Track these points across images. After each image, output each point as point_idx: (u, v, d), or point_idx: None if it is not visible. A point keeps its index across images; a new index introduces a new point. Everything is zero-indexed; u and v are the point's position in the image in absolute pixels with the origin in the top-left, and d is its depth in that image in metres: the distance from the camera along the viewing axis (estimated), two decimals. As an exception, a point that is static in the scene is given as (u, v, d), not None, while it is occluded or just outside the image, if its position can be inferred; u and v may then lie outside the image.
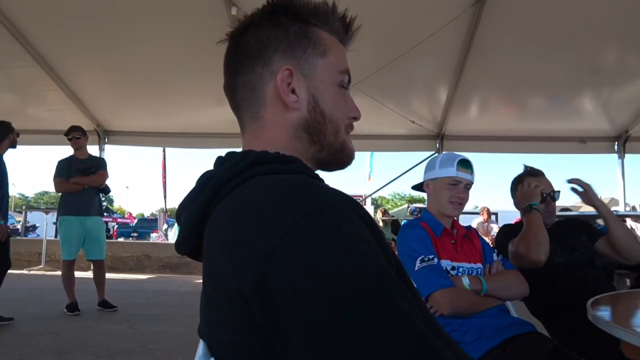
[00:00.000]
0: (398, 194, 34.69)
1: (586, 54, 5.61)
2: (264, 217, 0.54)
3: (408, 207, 14.73)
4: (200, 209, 0.66)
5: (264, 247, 0.51)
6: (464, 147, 7.47)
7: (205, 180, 0.69)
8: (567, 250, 2.12)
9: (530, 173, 2.26)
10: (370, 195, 16.28)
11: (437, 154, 1.93)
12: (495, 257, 1.89)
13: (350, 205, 0.58)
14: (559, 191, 2.25)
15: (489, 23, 5.02)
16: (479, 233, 7.05)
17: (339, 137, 0.75)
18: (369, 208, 16.55)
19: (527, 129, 7.13)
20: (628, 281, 6.59)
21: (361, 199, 15.84)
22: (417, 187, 2.04)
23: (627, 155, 7.16)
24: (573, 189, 2.16)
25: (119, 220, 24.36)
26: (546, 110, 6.86)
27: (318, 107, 0.72)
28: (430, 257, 1.70)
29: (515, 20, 5.05)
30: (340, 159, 0.77)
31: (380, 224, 8.65)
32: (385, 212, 9.11)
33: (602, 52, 5.66)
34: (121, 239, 15.49)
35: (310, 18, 0.74)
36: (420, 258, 1.69)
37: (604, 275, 2.18)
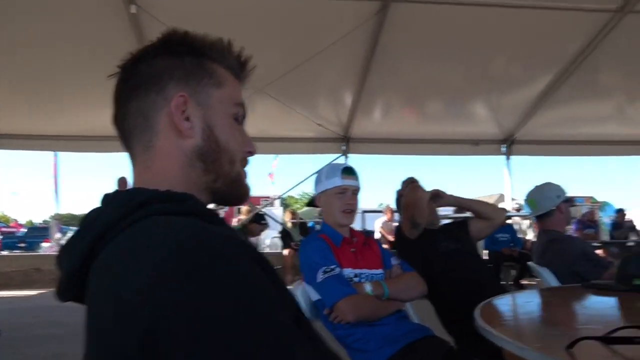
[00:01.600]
0: (307, 194, 35.08)
1: (477, 63, 6.06)
2: (150, 269, 0.52)
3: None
4: (85, 252, 0.61)
5: (151, 302, 0.49)
6: (369, 149, 7.77)
7: (89, 222, 0.64)
8: (455, 240, 2.31)
9: (412, 181, 2.40)
10: (280, 197, 16.38)
11: (322, 167, 1.96)
12: (394, 261, 1.98)
13: (242, 250, 0.57)
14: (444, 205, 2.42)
15: (391, 31, 5.25)
16: (384, 232, 7.31)
17: (234, 168, 0.74)
18: (278, 209, 16.61)
19: (426, 132, 7.55)
20: (513, 272, 7.28)
21: (269, 199, 15.89)
22: (311, 204, 2.07)
23: (512, 157, 7.86)
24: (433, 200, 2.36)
25: (2, 229, 22.11)
26: (443, 114, 7.31)
27: (213, 135, 0.72)
28: (332, 267, 1.74)
29: (415, 30, 5.33)
30: (236, 191, 0.76)
31: (289, 225, 8.69)
32: (294, 214, 9.14)
33: (491, 62, 6.15)
34: (5, 252, 13.99)
35: (206, 52, 0.74)
36: (322, 269, 1.72)
37: (486, 266, 2.39)
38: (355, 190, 1.92)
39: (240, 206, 6.57)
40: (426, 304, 2.20)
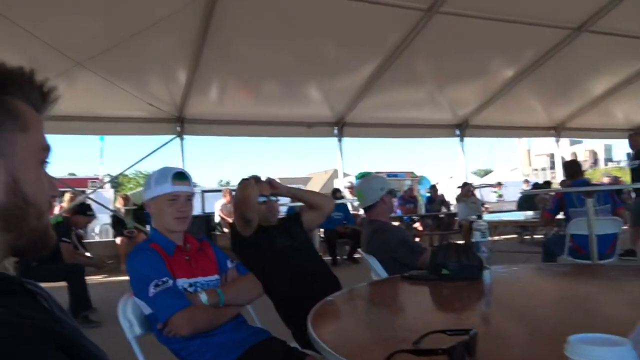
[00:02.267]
0: (141, 173, 32.90)
1: (309, 48, 6.24)
2: None
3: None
4: None
5: None
6: (205, 130, 7.57)
7: None
8: (289, 237, 2.36)
9: (256, 179, 2.40)
10: (111, 179, 15.11)
11: (153, 172, 1.85)
12: (229, 263, 1.95)
13: (41, 337, 0.51)
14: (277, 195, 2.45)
15: (224, 10, 5.09)
16: (224, 215, 7.23)
17: (42, 222, 0.67)
18: (109, 191, 15.32)
19: (262, 113, 7.60)
20: (347, 247, 7.85)
21: (98, 181, 14.56)
22: (140, 209, 1.95)
23: (344, 138, 8.37)
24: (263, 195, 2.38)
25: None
26: (278, 97, 7.42)
27: (19, 190, 0.63)
28: (164, 280, 1.65)
29: (248, 11, 5.24)
30: (41, 245, 0.68)
31: (122, 211, 8.07)
32: (126, 200, 8.49)
33: (322, 48, 6.39)
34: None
35: (6, 87, 0.63)
36: (153, 283, 1.63)
37: (321, 259, 2.51)
38: (189, 196, 1.83)
39: (63, 192, 5.88)
40: (267, 301, 2.22)
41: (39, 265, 4.36)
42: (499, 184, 14.03)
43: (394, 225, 2.76)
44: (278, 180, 2.43)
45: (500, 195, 13.39)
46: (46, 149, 0.68)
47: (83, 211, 5.25)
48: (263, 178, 2.41)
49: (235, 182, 2.49)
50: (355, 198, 8.82)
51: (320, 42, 6.22)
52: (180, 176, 1.82)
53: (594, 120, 9.56)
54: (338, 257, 7.63)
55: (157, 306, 1.64)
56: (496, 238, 7.76)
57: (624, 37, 6.59)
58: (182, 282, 1.73)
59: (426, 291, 1.80)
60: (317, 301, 1.58)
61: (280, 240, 2.31)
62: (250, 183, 2.31)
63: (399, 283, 1.93)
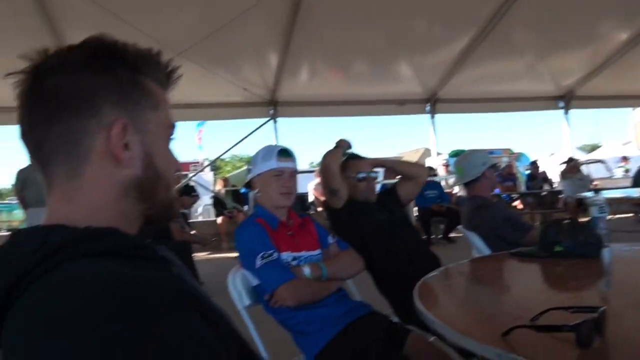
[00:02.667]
0: (237, 156, 34.54)
1: (399, 24, 6.07)
2: (70, 339, 0.47)
3: (248, 170, 14.76)
4: None
5: None
6: (297, 112, 7.71)
7: None
8: (386, 211, 2.36)
9: (353, 157, 2.40)
10: (210, 163, 16.00)
11: (258, 150, 1.91)
12: (330, 240, 1.98)
13: (180, 299, 0.53)
14: (377, 171, 2.44)
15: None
16: (318, 194, 7.37)
17: (169, 194, 0.71)
18: (208, 174, 16.23)
19: (352, 93, 7.57)
20: (442, 226, 7.66)
21: (198, 165, 15.47)
22: (248, 185, 2.03)
23: (436, 115, 8.12)
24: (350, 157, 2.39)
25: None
26: (368, 75, 7.35)
27: (152, 164, 0.67)
28: (270, 252, 1.71)
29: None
30: (167, 215, 0.73)
31: (222, 192, 8.54)
32: (225, 182, 8.95)
33: (412, 23, 6.19)
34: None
35: (140, 67, 0.67)
36: (260, 255, 1.70)
37: (418, 234, 2.52)
38: (293, 172, 1.89)
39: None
40: (367, 276, 2.24)
41: (153, 241, 4.72)
42: (625, 159, 12.88)
43: (497, 201, 2.64)
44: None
45: (627, 170, 12.26)
46: (172, 126, 0.72)
47: (188, 192, 5.61)
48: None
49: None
50: (449, 175, 8.64)
51: (411, 18, 6.03)
52: (285, 153, 1.88)
53: None
54: (433, 236, 7.48)
55: (263, 278, 1.71)
56: (609, 217, 7.12)
57: None
58: (287, 256, 1.79)
59: (537, 269, 1.70)
60: (417, 277, 1.56)
61: (377, 215, 2.30)
62: (330, 151, 2.32)
63: (506, 260, 1.84)
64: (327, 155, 2.30)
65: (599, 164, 11.71)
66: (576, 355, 0.89)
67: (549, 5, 5.85)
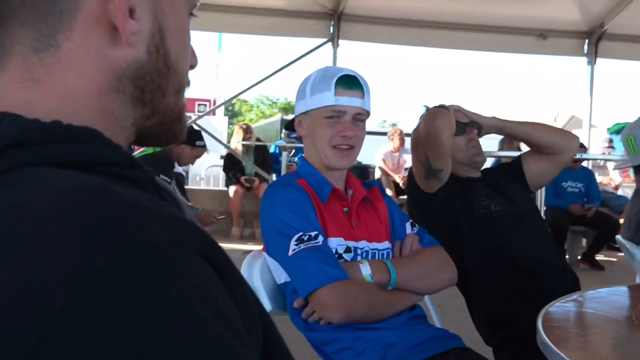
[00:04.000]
0: (268, 98, 34.84)
1: None
2: (33, 268, 0.47)
3: (283, 120, 14.82)
4: None
5: (34, 320, 0.45)
6: (370, 34, 7.67)
7: None
8: (501, 196, 2.36)
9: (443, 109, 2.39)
10: (225, 102, 16.22)
11: (311, 73, 1.92)
12: (409, 228, 1.97)
13: (187, 238, 0.53)
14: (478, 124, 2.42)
15: None
16: (387, 169, 7.48)
17: (179, 100, 0.73)
18: (222, 120, 16.52)
19: (462, 12, 7.41)
20: (584, 241, 7.51)
21: (209, 105, 15.76)
22: (289, 126, 2.03)
23: (599, 60, 7.89)
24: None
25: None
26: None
27: (163, 47, 0.68)
28: (313, 234, 1.71)
29: None
30: (173, 133, 0.77)
31: (239, 149, 8.63)
32: (247, 132, 9.01)
33: None
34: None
35: None
36: (297, 237, 1.70)
37: (551, 239, 2.50)
38: (360, 114, 1.88)
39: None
40: (455, 294, 2.22)
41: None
42: None
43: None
44: None
45: None
46: None
47: (191, 140, 5.58)
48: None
49: (404, 124, 2.51)
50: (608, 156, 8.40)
51: None
52: (350, 82, 1.86)
53: None
54: (567, 256, 7.33)
55: (297, 272, 1.71)
56: None
57: None
58: (336, 244, 1.79)
59: None
60: (542, 302, 1.55)
61: (486, 202, 2.29)
62: (442, 113, 2.30)
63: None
64: (436, 116, 2.28)
65: None
66: None
67: None
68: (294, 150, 9.02)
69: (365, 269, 1.74)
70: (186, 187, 8.27)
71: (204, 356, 0.47)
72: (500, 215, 2.28)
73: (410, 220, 2.00)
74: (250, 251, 1.85)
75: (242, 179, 8.15)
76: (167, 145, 0.77)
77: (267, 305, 1.80)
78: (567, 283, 2.17)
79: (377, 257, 1.83)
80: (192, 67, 0.76)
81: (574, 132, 8.21)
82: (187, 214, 0.72)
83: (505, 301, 2.14)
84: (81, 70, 0.64)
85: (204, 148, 5.89)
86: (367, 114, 1.91)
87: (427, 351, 1.74)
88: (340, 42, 7.48)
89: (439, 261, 1.90)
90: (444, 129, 2.22)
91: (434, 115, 2.29)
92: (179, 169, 6.75)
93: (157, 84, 0.69)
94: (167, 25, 0.68)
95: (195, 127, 6.75)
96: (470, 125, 2.36)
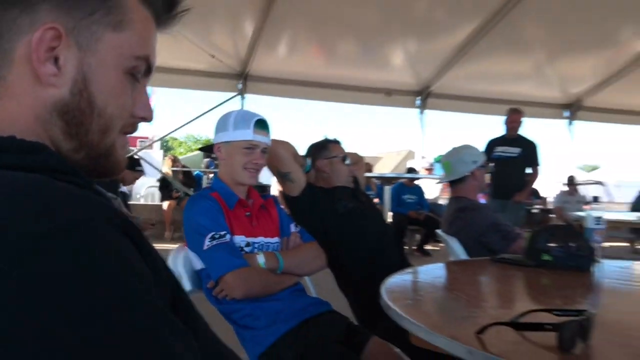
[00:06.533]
0: (193, 137, 34.10)
1: (398, 2, 6.10)
2: None
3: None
4: None
5: None
6: (270, 90, 7.64)
7: None
8: (354, 198, 2.36)
9: (334, 141, 2.44)
10: (161, 138, 15.72)
11: (231, 112, 1.89)
12: (293, 228, 1.98)
13: (106, 219, 0.51)
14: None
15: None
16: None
17: (106, 139, 0.66)
18: (158, 152, 16.00)
19: (334, 75, 7.55)
20: (417, 236, 7.76)
21: (147, 141, 15.20)
22: (206, 149, 2.00)
23: (426, 111, 8.21)
24: None
25: None
26: (356, 57, 7.34)
27: (87, 91, 0.62)
28: (222, 233, 1.70)
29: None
30: (102, 167, 0.68)
31: (170, 174, 8.42)
32: (175, 161, 8.84)
33: (413, 3, 6.23)
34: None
35: None
36: (210, 235, 1.68)
37: (389, 227, 2.55)
38: (266, 148, 1.88)
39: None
40: (326, 272, 2.24)
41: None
42: None
43: (484, 205, 2.68)
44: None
45: None
46: (142, 59, 0.66)
47: (131, 166, 5.45)
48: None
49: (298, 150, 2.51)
50: (432, 176, 8.75)
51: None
52: (263, 125, 1.87)
53: None
54: (406, 247, 7.56)
55: (210, 261, 1.69)
56: (604, 245, 7.37)
57: None
58: (240, 240, 1.78)
59: (521, 277, 1.74)
60: (386, 275, 1.57)
61: (344, 203, 2.29)
62: (279, 140, 2.24)
63: (487, 266, 1.87)
64: (276, 141, 2.21)
65: (598, 185, 12.07)
66: (556, 358, 0.90)
67: (564, 3, 5.97)
68: (212, 175, 8.90)
69: (261, 259, 1.75)
70: (130, 202, 7.98)
71: (123, 302, 0.45)
72: (353, 210, 2.28)
73: (294, 222, 2.02)
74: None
75: (173, 192, 8.02)
76: (99, 179, 0.69)
77: (188, 285, 1.76)
78: (403, 262, 2.23)
79: (270, 249, 1.83)
80: (145, 119, 0.70)
81: (409, 162, 8.47)
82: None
83: (361, 274, 2.17)
84: (22, 100, 0.60)
85: (141, 172, 5.75)
86: (269, 147, 1.93)
87: (306, 313, 1.77)
88: (247, 95, 7.42)
89: (314, 252, 1.93)
90: (278, 146, 2.17)
91: (274, 140, 2.19)
92: (123, 188, 6.49)
93: (79, 120, 0.63)
94: (93, 76, 0.62)
95: (136, 157, 6.54)
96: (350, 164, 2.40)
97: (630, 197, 9.33)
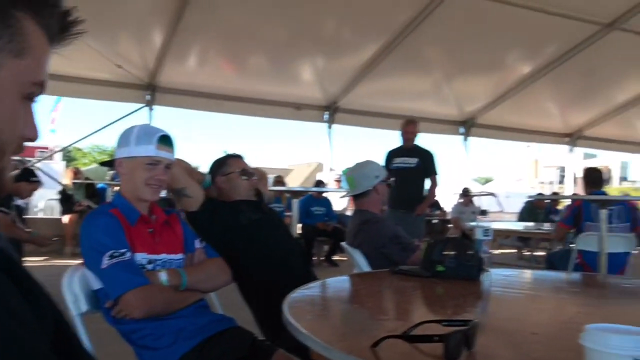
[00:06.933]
0: (98, 147, 32.47)
1: (306, 21, 6.22)
2: None
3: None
4: None
5: None
6: (177, 101, 7.48)
7: None
8: (257, 210, 2.32)
9: (235, 156, 2.40)
10: (63, 149, 14.84)
11: (133, 126, 1.83)
12: (197, 244, 1.93)
13: None
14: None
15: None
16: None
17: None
18: (59, 164, 15.07)
19: (244, 89, 7.53)
20: (326, 247, 7.86)
21: (47, 151, 14.31)
22: (108, 164, 1.92)
23: (334, 125, 8.37)
24: None
25: None
26: (266, 72, 7.38)
27: None
28: (122, 251, 1.62)
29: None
30: None
31: (70, 185, 7.98)
32: (77, 173, 8.38)
33: (321, 22, 6.37)
34: None
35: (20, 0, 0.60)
36: (109, 253, 1.60)
37: (294, 238, 2.54)
38: (169, 164, 1.82)
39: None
40: (234, 287, 2.20)
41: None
42: None
43: (386, 217, 2.77)
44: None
45: None
46: (39, 84, 0.65)
47: (26, 177, 5.07)
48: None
49: (206, 164, 2.44)
50: (340, 189, 8.91)
51: (319, 15, 6.21)
52: (167, 140, 1.80)
53: (614, 131, 9.70)
54: (315, 258, 7.63)
55: (109, 280, 1.61)
56: (495, 252, 7.85)
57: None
58: (141, 257, 1.71)
59: (417, 287, 1.81)
60: (292, 288, 1.57)
61: (247, 215, 2.25)
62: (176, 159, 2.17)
63: (386, 277, 1.93)
64: None
65: (490, 197, 12.84)
66: (443, 367, 0.95)
67: (459, 28, 6.36)
68: (118, 187, 8.55)
69: (163, 276, 1.69)
70: (27, 216, 7.43)
71: None
72: (257, 222, 2.25)
73: (199, 238, 1.96)
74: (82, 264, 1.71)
75: (76, 204, 7.60)
76: None
77: (84, 306, 1.67)
78: (308, 275, 2.21)
79: (173, 266, 1.77)
80: (31, 139, 0.68)
81: (319, 174, 8.59)
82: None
83: (266, 288, 2.13)
84: None
85: (38, 183, 5.34)
86: (172, 164, 1.87)
87: (209, 330, 1.73)
88: (155, 107, 7.20)
89: (219, 268, 1.89)
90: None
91: None
92: (19, 201, 6.03)
93: None
94: None
95: (31, 167, 6.14)
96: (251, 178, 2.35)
97: (518, 207, 10.05)
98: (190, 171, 2.21)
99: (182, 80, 7.16)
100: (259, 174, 2.48)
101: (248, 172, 2.35)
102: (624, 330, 0.75)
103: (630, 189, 33.47)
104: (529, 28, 6.38)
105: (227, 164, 2.36)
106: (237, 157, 2.42)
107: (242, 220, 2.22)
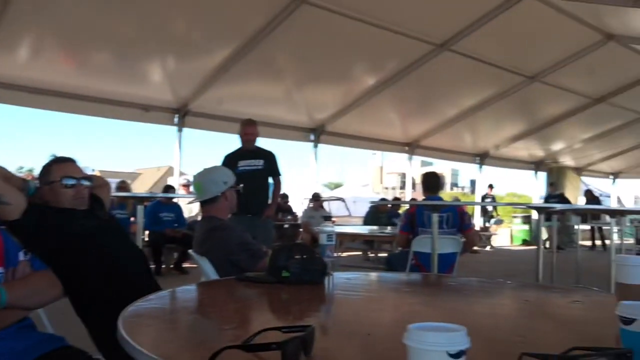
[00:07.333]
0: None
1: (155, 19, 5.98)
2: None
3: None
4: None
5: None
6: (6, 97, 6.72)
7: None
8: (93, 216, 2.16)
9: (59, 160, 2.19)
10: None
11: None
12: (22, 256, 1.74)
13: None
14: (90, 181, 2.25)
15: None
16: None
17: None
18: None
19: (86, 87, 7.03)
20: (176, 254, 7.61)
21: None
22: None
23: (184, 129, 8.15)
24: None
25: None
26: (111, 69, 6.96)
27: None
28: None
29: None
30: None
31: None
32: None
33: (171, 21, 6.16)
34: None
35: None
36: None
37: (136, 247, 2.43)
38: None
39: None
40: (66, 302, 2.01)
41: None
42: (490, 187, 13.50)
43: (234, 224, 2.73)
44: (98, 174, 2.24)
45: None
46: None
47: None
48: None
49: (39, 168, 2.20)
50: (190, 194, 8.67)
51: (168, 14, 6.02)
52: None
53: (446, 142, 10.73)
54: (164, 266, 7.34)
55: None
56: (343, 255, 8.20)
57: (480, 61, 7.53)
58: None
59: (263, 294, 1.81)
60: (133, 300, 1.48)
61: (82, 222, 2.09)
62: None
63: (233, 285, 1.91)
64: None
65: (339, 202, 13.44)
66: (282, 374, 0.95)
67: (311, 38, 6.59)
68: None
69: None
70: None
71: None
72: (93, 229, 2.10)
73: (24, 250, 1.76)
74: None
75: None
76: None
77: None
78: (151, 285, 2.10)
79: None
80: None
81: (170, 178, 8.28)
82: None
83: (103, 301, 1.96)
84: None
85: None
86: None
87: (33, 353, 1.57)
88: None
89: (47, 281, 1.72)
90: None
91: None
92: None
93: None
94: None
95: None
96: (78, 184, 2.12)
97: (364, 212, 10.62)
98: (8, 177, 1.99)
99: (11, 74, 6.45)
100: (99, 182, 2.31)
101: (74, 179, 2.13)
102: (440, 327, 0.81)
103: (459, 194, 37.41)
104: (374, 43, 6.82)
105: (50, 172, 2.13)
106: (64, 162, 2.19)
107: (75, 228, 2.06)
